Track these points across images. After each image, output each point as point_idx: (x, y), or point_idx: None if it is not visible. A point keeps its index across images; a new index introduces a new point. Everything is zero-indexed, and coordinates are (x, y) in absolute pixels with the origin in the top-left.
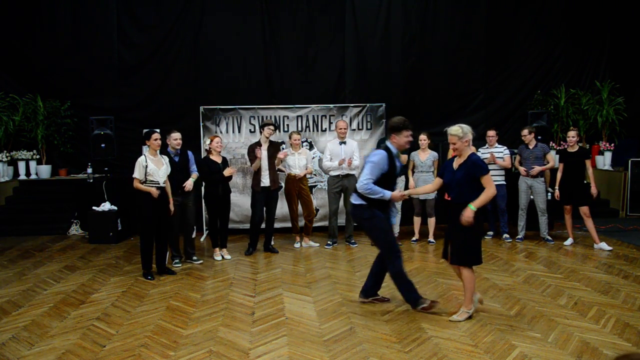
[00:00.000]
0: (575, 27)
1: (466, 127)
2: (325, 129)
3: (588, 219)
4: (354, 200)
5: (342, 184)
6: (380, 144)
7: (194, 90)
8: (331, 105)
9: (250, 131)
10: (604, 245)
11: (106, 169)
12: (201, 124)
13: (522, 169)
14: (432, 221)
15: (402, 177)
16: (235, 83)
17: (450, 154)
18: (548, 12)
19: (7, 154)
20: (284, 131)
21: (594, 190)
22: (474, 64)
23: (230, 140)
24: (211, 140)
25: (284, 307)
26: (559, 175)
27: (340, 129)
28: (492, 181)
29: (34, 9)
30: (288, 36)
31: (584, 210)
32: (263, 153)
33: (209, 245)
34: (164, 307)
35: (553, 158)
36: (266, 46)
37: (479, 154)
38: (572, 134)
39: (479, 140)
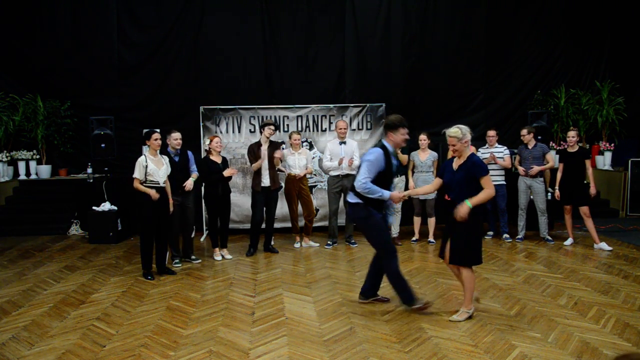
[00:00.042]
0: (575, 27)
1: (465, 128)
2: (325, 129)
3: (588, 219)
4: (351, 199)
5: (342, 184)
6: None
7: (194, 90)
8: (331, 105)
9: (250, 131)
10: (604, 245)
11: (106, 169)
12: (201, 124)
13: (520, 169)
14: (432, 221)
15: (402, 177)
16: (235, 83)
17: (450, 154)
18: (548, 12)
19: (7, 154)
20: (284, 131)
21: (593, 190)
22: (474, 64)
23: (230, 140)
24: (211, 140)
25: (284, 307)
26: (559, 175)
27: (340, 129)
28: (492, 182)
29: (34, 9)
30: (288, 36)
31: (584, 210)
32: (263, 153)
33: (209, 245)
34: (164, 307)
35: (552, 158)
36: (266, 46)
37: (478, 154)
38: (572, 134)
39: (479, 140)
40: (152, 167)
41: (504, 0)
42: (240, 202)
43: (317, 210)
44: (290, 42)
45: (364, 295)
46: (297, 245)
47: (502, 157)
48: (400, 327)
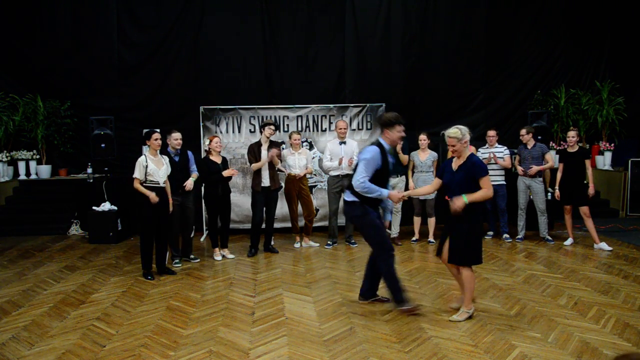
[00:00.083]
0: (575, 27)
1: (464, 129)
2: (325, 129)
3: (588, 219)
4: (347, 197)
5: (342, 184)
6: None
7: (194, 90)
8: (331, 105)
9: (250, 131)
10: (604, 245)
11: (106, 169)
12: (201, 124)
13: (519, 169)
14: (432, 221)
15: (402, 177)
16: (235, 83)
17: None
18: (548, 12)
19: (7, 154)
20: (284, 131)
21: (591, 190)
22: (474, 64)
23: (230, 140)
24: (210, 141)
25: (284, 307)
26: (559, 175)
27: (340, 129)
28: (490, 183)
29: (34, 9)
30: (288, 36)
31: (584, 210)
32: (263, 153)
33: (209, 245)
34: (164, 307)
35: (552, 158)
36: (266, 46)
37: (478, 154)
38: (572, 134)
39: (479, 140)
40: (152, 167)
41: (504, 0)
42: (240, 202)
43: (317, 210)
44: (290, 42)
45: (363, 296)
46: (297, 245)
47: (502, 157)
48: (400, 327)
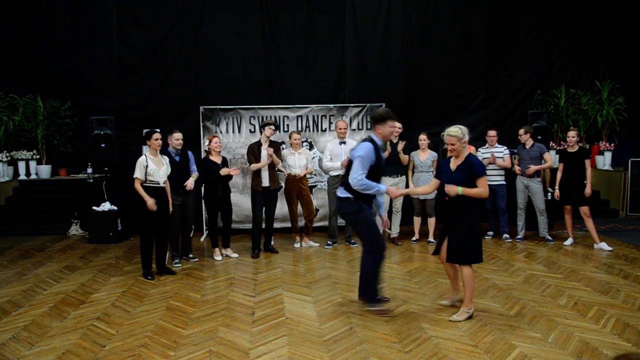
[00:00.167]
0: (575, 27)
1: (464, 129)
2: (325, 129)
3: (588, 219)
4: (340, 193)
5: None
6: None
7: (194, 90)
8: (331, 105)
9: (250, 131)
10: (604, 245)
11: (106, 169)
12: (201, 124)
13: (517, 168)
14: (432, 221)
15: (402, 177)
16: (235, 83)
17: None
18: (548, 12)
19: (7, 154)
20: (284, 131)
21: (588, 190)
22: (474, 64)
23: (230, 140)
24: (210, 141)
25: (284, 307)
26: (559, 175)
27: (340, 129)
28: (487, 184)
29: (34, 9)
30: (288, 36)
31: (584, 210)
32: (263, 152)
33: (209, 245)
34: (164, 307)
35: (551, 158)
36: (266, 46)
37: (479, 154)
38: (572, 134)
39: (479, 140)
40: (153, 167)
41: (504, 0)
42: (240, 202)
43: (317, 210)
44: (290, 42)
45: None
46: (297, 245)
47: (502, 157)
48: (400, 327)
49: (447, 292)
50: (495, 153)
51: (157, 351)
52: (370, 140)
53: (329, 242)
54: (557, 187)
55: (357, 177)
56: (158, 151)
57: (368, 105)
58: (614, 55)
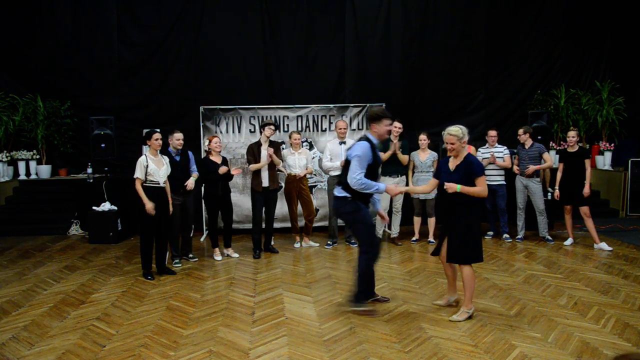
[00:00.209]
0: (575, 27)
1: (464, 129)
2: (325, 129)
3: (588, 219)
4: (337, 192)
5: None
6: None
7: (194, 90)
8: (331, 105)
9: (250, 131)
10: (604, 245)
11: (106, 169)
12: (201, 124)
13: (515, 168)
14: (432, 221)
15: (403, 178)
16: (235, 83)
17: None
18: (548, 12)
19: (7, 154)
20: (284, 131)
21: (586, 190)
22: (474, 64)
23: (230, 140)
24: (210, 141)
25: (284, 307)
26: (559, 175)
27: (340, 129)
28: (486, 183)
29: (34, 9)
30: (288, 36)
31: (584, 210)
32: (263, 153)
33: (209, 245)
34: (164, 307)
35: (550, 158)
36: (266, 46)
37: (479, 154)
38: (572, 134)
39: (479, 140)
40: (153, 167)
41: (504, 0)
42: (240, 202)
43: (317, 210)
44: (290, 42)
45: None
46: (297, 245)
47: (502, 157)
48: (400, 327)
49: (447, 292)
50: (495, 153)
51: (157, 351)
52: (366, 139)
53: (329, 242)
54: (557, 187)
55: (356, 176)
56: (158, 151)
57: (368, 105)
58: (614, 55)
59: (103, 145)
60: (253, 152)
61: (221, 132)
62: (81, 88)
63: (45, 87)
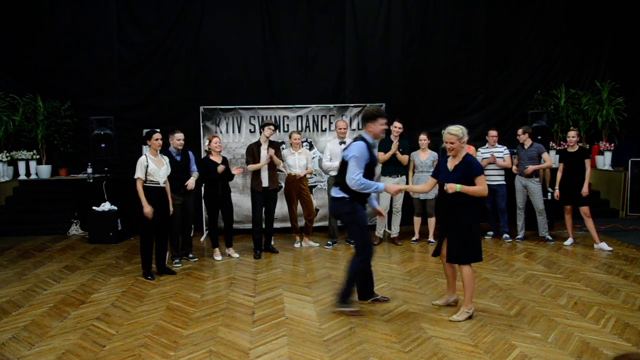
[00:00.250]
0: (575, 27)
1: (464, 129)
2: (325, 129)
3: (588, 219)
4: (335, 193)
5: None
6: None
7: (194, 90)
8: (331, 105)
9: (250, 131)
10: (604, 246)
11: (106, 169)
12: (201, 124)
13: (514, 168)
14: (432, 221)
15: (403, 178)
16: (235, 83)
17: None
18: (548, 12)
19: (7, 154)
20: (284, 131)
21: (585, 189)
22: (474, 64)
23: (230, 140)
24: (210, 141)
25: (284, 307)
26: (559, 175)
27: (340, 129)
28: (486, 183)
29: (34, 9)
30: (288, 36)
31: (584, 210)
32: (263, 153)
33: (209, 245)
34: (164, 307)
35: (549, 158)
36: (266, 46)
37: (479, 154)
38: (572, 134)
39: (479, 140)
40: (153, 167)
41: (504, 0)
42: (240, 202)
43: (317, 210)
44: (290, 42)
45: (361, 298)
46: (297, 245)
47: (502, 157)
48: (400, 327)
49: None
50: (495, 153)
51: (157, 351)
52: (362, 138)
53: (329, 242)
54: (557, 187)
55: (355, 177)
56: (158, 151)
57: (368, 105)
58: (614, 55)
59: (103, 145)
60: (252, 152)
61: (221, 132)
62: (81, 88)
63: (45, 87)
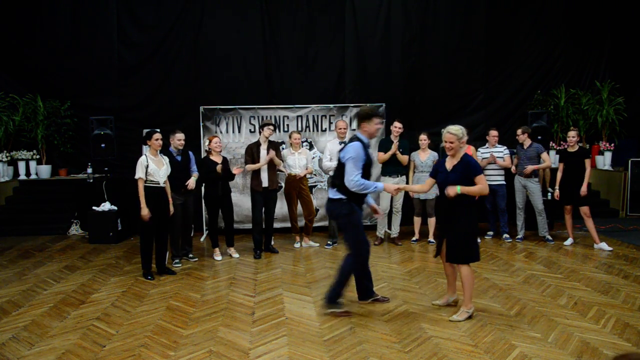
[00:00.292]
0: (575, 27)
1: (464, 129)
2: (325, 129)
3: (588, 219)
4: (332, 194)
5: None
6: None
7: (194, 90)
8: (331, 105)
9: (250, 131)
10: (604, 245)
11: (106, 169)
12: (201, 124)
13: (513, 168)
14: (432, 221)
15: (403, 178)
16: (235, 83)
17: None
18: (548, 12)
19: (7, 154)
20: (284, 131)
21: (583, 189)
22: (474, 64)
23: (230, 140)
24: (210, 141)
25: (284, 307)
26: (559, 175)
27: (340, 129)
28: (486, 182)
29: (34, 9)
30: (288, 36)
31: (584, 210)
32: (262, 152)
33: (209, 245)
34: (164, 307)
35: (549, 158)
36: (266, 46)
37: (479, 154)
38: (572, 134)
39: (479, 140)
40: (153, 167)
41: (504, 0)
42: (240, 202)
43: (317, 210)
44: (290, 42)
45: (361, 298)
46: (297, 245)
47: (502, 157)
48: (400, 327)
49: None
50: (495, 153)
51: (157, 351)
52: (357, 139)
53: (329, 242)
54: (557, 187)
55: (354, 178)
56: (158, 151)
57: (368, 105)
58: (614, 55)
59: (103, 145)
60: (252, 152)
61: (221, 132)
62: (81, 88)
63: (45, 87)
